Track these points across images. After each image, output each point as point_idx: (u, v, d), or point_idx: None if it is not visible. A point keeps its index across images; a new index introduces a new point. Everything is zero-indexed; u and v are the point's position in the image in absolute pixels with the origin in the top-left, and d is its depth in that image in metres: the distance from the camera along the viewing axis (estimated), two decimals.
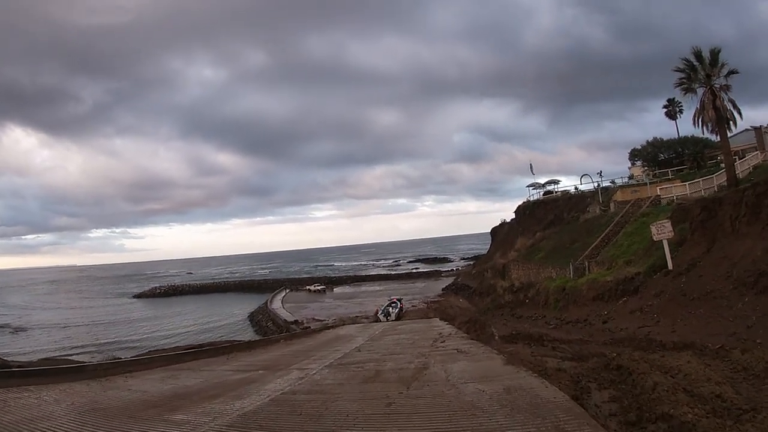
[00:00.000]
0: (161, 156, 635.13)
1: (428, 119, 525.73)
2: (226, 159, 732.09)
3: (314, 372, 8.59)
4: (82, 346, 37.21)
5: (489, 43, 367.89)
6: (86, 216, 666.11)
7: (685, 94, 40.15)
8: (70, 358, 20.34)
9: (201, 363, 11.02)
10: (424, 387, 6.34)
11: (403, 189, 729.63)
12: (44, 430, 4.83)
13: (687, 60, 38.94)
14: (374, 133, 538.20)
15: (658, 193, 33.18)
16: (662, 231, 20.19)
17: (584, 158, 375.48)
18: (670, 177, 38.62)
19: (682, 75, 39.95)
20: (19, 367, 9.16)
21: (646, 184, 37.83)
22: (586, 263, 27.70)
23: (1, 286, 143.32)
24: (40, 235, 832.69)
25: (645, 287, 19.25)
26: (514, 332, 13.56)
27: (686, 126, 52.66)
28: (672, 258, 19.45)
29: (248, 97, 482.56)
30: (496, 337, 12.77)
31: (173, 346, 18.61)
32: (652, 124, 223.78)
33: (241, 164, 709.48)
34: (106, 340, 40.81)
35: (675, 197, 31.33)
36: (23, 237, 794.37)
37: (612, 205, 36.65)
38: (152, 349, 21.42)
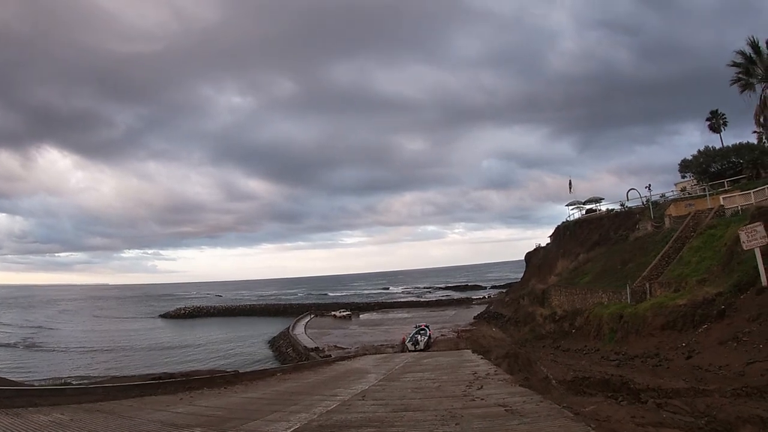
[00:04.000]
0: (193, 180, 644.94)
1: (456, 146, 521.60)
2: (256, 185, 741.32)
3: None
4: (72, 372, 33.93)
5: (514, 69, 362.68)
6: (119, 236, 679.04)
7: (743, 91, 35.89)
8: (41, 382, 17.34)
9: (142, 402, 8.41)
10: None
11: (432, 216, 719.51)
12: None
13: (743, 53, 34.71)
14: (402, 159, 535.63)
15: (722, 204, 28.96)
16: (754, 237, 16.02)
17: (616, 183, 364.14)
18: (726, 188, 34.22)
19: (739, 69, 35.69)
20: None
21: (705, 195, 33.52)
22: (647, 285, 23.58)
23: (29, 301, 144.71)
24: (73, 253, 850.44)
25: (733, 310, 15.19)
26: (577, 374, 9.90)
27: (732, 139, 47.68)
28: (766, 271, 15.45)
29: (276, 125, 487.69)
30: (554, 382, 9.14)
31: (145, 374, 15.49)
32: (684, 146, 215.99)
33: (271, 190, 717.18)
34: (105, 366, 37.82)
35: (739, 208, 27.20)
36: (57, 254, 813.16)
37: (666, 220, 32.44)
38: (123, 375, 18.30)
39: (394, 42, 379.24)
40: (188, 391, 10.43)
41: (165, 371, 16.79)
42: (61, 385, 11.09)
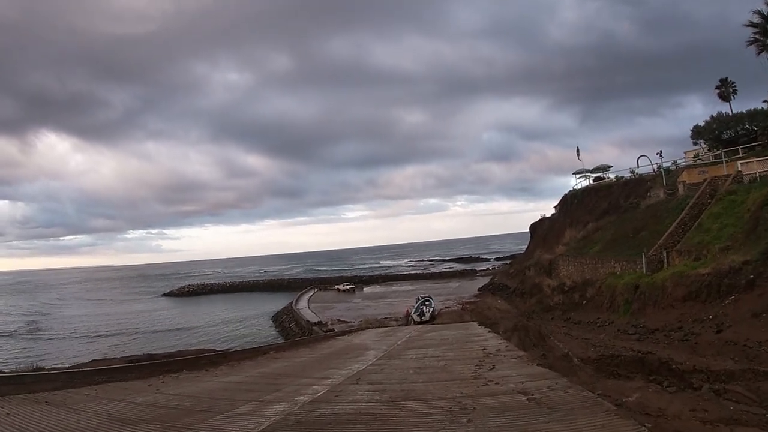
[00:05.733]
0: (192, 159, 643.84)
1: (456, 118, 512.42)
2: (256, 161, 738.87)
3: None
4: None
5: (514, 40, 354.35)
6: (122, 218, 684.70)
7: (759, 53, 34.15)
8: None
9: (104, 390, 7.56)
10: None
11: (433, 189, 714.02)
12: None
13: (760, 13, 32.79)
14: (402, 133, 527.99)
15: (739, 170, 27.59)
16: None
17: (618, 155, 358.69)
18: (741, 155, 32.72)
19: (756, 30, 33.78)
20: None
21: (720, 162, 32.07)
22: (664, 253, 22.30)
23: (31, 287, 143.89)
24: (77, 236, 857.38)
25: (764, 280, 14.05)
26: (602, 352, 8.72)
27: (740, 109, 45.65)
28: None
29: (274, 100, 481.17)
30: (576, 361, 7.96)
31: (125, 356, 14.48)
32: (687, 119, 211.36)
33: (271, 166, 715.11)
34: (104, 353, 36.60)
35: (757, 174, 25.92)
36: (61, 238, 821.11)
37: (680, 187, 31.07)
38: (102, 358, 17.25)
39: (390, 14, 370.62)
40: (165, 374, 9.36)
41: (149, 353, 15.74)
42: (24, 371, 9.99)
